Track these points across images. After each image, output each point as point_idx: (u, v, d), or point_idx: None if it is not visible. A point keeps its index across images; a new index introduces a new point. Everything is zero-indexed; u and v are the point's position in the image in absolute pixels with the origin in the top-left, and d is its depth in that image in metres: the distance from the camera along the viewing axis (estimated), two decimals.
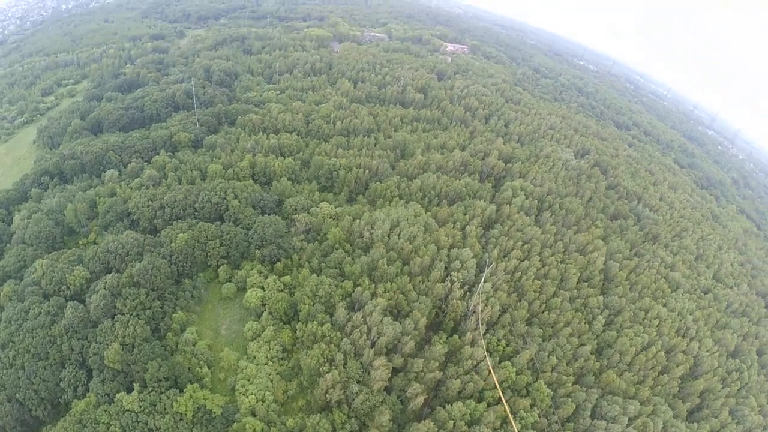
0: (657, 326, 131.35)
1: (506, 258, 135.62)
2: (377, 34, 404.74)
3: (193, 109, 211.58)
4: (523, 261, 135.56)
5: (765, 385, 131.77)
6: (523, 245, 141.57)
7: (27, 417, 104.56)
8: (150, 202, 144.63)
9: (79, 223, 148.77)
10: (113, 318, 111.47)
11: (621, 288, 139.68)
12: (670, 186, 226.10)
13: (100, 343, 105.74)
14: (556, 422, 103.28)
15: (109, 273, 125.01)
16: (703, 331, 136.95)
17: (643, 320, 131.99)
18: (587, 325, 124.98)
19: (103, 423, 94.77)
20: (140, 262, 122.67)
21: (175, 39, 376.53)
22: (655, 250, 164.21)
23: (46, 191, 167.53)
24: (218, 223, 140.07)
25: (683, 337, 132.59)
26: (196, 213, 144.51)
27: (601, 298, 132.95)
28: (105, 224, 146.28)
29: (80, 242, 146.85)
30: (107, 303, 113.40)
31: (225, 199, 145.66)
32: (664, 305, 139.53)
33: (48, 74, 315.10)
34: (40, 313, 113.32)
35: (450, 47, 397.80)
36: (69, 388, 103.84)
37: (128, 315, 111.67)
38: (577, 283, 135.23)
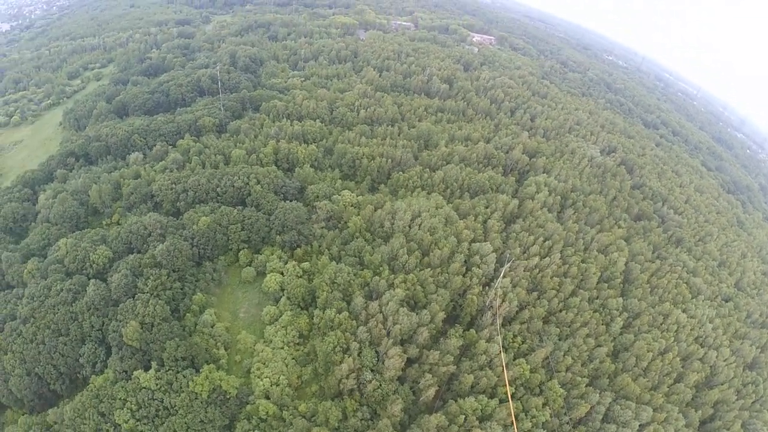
0: (675, 332, 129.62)
1: (526, 254, 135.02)
2: (403, 23, 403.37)
3: (218, 94, 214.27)
4: (543, 258, 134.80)
5: None
6: (544, 242, 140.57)
7: (45, 390, 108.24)
8: (173, 185, 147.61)
9: (103, 204, 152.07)
10: (134, 297, 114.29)
11: (641, 291, 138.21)
12: (696, 189, 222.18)
13: (120, 321, 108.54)
14: (567, 423, 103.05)
15: (132, 253, 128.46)
16: (722, 340, 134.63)
17: (661, 325, 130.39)
18: (605, 326, 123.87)
19: (120, 399, 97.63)
20: (162, 243, 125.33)
21: (200, 24, 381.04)
22: (678, 253, 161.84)
23: (71, 172, 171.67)
24: (240, 207, 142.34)
25: (701, 345, 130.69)
26: (219, 197, 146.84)
27: (620, 299, 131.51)
28: (129, 206, 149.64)
29: (104, 222, 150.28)
30: (128, 282, 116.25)
31: (248, 184, 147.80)
32: (684, 311, 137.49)
33: (74, 58, 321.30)
34: (62, 290, 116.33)
35: (477, 38, 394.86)
36: (88, 363, 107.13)
37: (149, 295, 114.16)
38: (597, 284, 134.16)
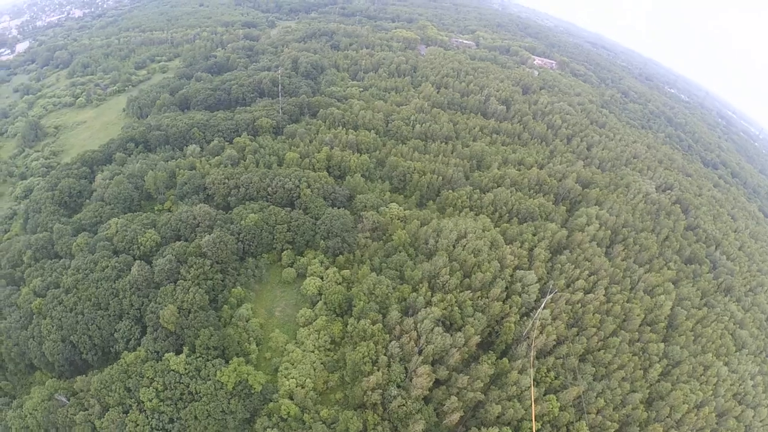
0: (714, 385, 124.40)
1: (570, 288, 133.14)
2: (464, 41, 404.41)
3: (278, 97, 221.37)
4: (587, 293, 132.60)
5: None
6: (589, 276, 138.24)
7: (77, 359, 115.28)
8: (226, 180, 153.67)
9: (157, 190, 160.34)
10: (175, 282, 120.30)
11: (684, 338, 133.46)
12: (751, 235, 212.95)
13: (159, 304, 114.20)
14: None
15: (179, 240, 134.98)
16: (761, 398, 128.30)
17: (701, 376, 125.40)
18: (642, 371, 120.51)
19: (147, 377, 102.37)
20: (209, 234, 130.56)
21: (266, 28, 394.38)
22: (726, 302, 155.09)
23: (129, 156, 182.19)
24: (288, 209, 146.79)
25: (739, 402, 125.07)
26: (269, 196, 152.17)
27: (662, 345, 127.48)
28: (181, 195, 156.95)
29: (156, 208, 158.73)
30: (172, 268, 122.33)
31: (298, 186, 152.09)
32: (726, 364, 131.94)
33: (142, 49, 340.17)
34: (108, 266, 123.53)
35: (538, 61, 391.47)
36: (122, 339, 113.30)
37: (190, 282, 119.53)
38: (639, 326, 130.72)
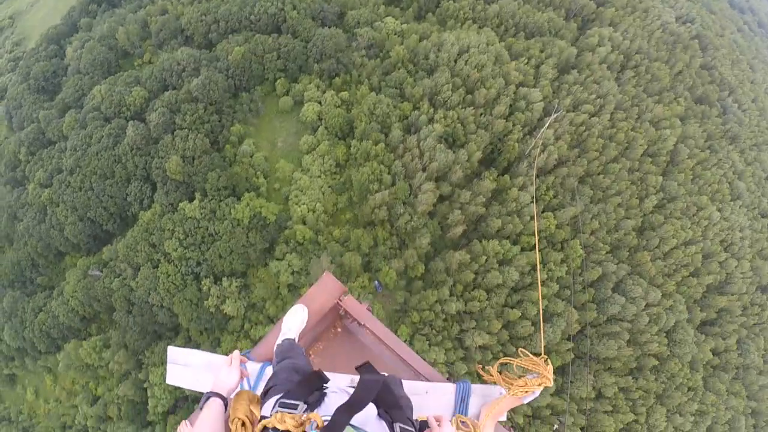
0: (704, 228, 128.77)
1: (576, 110, 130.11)
2: None
3: None
4: (592, 116, 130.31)
5: None
6: (596, 99, 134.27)
7: (99, 232, 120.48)
8: (203, 17, 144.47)
9: (133, 45, 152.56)
10: (173, 133, 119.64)
11: (683, 176, 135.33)
12: (767, 91, 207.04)
13: (162, 158, 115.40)
14: (580, 283, 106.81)
15: (167, 90, 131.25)
16: (746, 252, 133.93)
17: (693, 216, 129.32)
18: (638, 200, 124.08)
19: (168, 230, 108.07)
20: (197, 77, 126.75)
21: None
22: (729, 150, 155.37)
23: (95, 19, 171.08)
24: (275, 35, 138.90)
25: (725, 249, 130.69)
26: (252, 25, 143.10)
27: (660, 178, 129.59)
28: (159, 43, 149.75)
29: (136, 63, 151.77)
30: (166, 119, 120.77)
31: (283, 9, 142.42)
32: (719, 210, 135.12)
33: None
34: (103, 136, 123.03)
35: None
36: (135, 201, 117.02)
37: (187, 129, 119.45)
38: (641, 155, 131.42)
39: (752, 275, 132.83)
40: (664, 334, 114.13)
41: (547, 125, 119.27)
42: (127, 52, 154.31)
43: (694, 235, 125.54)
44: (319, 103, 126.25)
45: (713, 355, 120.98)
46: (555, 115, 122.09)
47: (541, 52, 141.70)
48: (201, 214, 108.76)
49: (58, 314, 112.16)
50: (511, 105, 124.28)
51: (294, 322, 9.39)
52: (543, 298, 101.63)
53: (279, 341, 9.11)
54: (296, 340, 9.13)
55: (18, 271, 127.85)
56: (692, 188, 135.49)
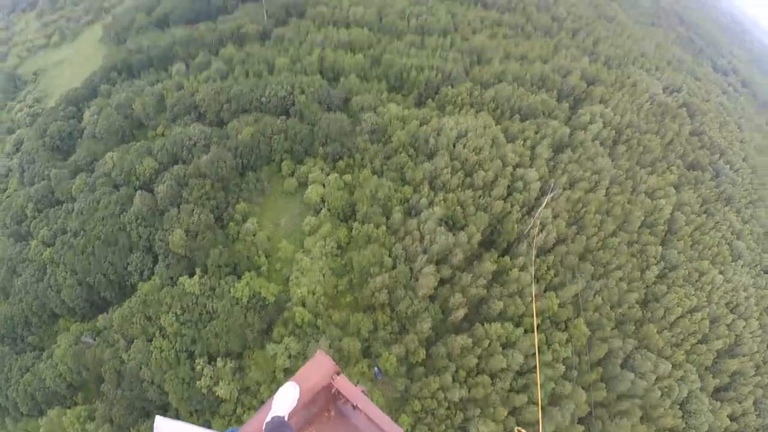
0: (708, 293, 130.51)
1: (572, 187, 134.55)
2: None
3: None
4: (588, 193, 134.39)
5: None
6: (591, 175, 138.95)
7: (96, 298, 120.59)
8: (217, 95, 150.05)
9: (148, 117, 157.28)
10: (179, 207, 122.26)
11: (682, 243, 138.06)
12: (756, 148, 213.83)
13: (166, 230, 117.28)
14: (586, 363, 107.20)
15: (177, 164, 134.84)
16: (753, 311, 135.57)
17: (696, 282, 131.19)
18: (639, 273, 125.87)
19: (166, 303, 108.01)
20: (207, 154, 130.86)
21: None
22: (726, 212, 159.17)
23: (114, 87, 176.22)
24: (284, 117, 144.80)
25: (731, 311, 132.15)
26: (262, 107, 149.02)
27: (659, 248, 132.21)
28: (173, 117, 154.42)
29: (149, 135, 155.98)
30: (174, 192, 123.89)
31: (292, 93, 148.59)
32: (721, 273, 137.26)
33: None
34: (111, 202, 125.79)
35: None
36: (136, 271, 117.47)
37: (193, 204, 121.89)
38: (638, 227, 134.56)
39: (761, 333, 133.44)
40: (678, 407, 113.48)
41: (544, 204, 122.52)
42: (142, 123, 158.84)
43: (698, 302, 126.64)
44: (323, 185, 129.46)
45: (731, 420, 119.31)
46: (552, 194, 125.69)
47: (536, 133, 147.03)
48: (200, 290, 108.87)
49: (45, 377, 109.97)
50: (508, 186, 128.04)
51: (285, 399, 9.29)
52: (550, 380, 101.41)
53: (268, 419, 9.06)
54: (286, 418, 9.11)
55: (10, 326, 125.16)
56: (692, 254, 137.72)
